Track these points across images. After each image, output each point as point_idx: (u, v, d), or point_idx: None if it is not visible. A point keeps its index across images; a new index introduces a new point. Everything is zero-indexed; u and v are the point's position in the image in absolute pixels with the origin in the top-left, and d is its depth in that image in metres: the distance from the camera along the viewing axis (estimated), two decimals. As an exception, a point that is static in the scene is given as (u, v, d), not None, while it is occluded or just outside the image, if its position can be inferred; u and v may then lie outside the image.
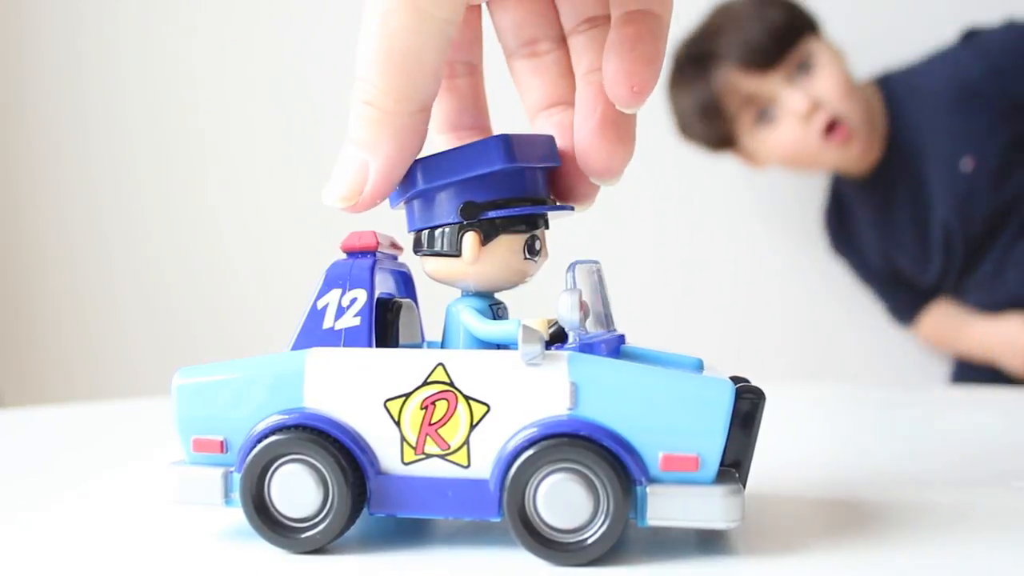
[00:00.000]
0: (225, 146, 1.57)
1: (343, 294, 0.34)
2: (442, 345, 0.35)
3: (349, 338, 0.33)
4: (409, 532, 0.35)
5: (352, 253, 0.34)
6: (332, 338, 0.33)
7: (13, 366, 1.61)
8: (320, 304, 0.34)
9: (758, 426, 0.33)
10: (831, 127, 1.21)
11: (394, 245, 0.36)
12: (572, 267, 0.34)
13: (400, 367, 0.32)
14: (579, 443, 0.31)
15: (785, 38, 1.21)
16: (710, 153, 1.33)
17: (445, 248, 0.33)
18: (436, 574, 0.31)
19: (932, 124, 1.24)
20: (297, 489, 0.32)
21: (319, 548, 0.32)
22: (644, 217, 1.33)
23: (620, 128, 0.34)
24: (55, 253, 1.61)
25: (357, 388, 0.33)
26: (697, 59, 1.25)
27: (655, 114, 1.31)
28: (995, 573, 0.31)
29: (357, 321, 0.33)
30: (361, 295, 0.33)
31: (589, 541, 0.31)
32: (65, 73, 1.59)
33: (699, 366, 0.34)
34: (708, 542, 0.33)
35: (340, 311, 0.33)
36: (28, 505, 0.42)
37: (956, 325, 1.30)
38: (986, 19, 1.26)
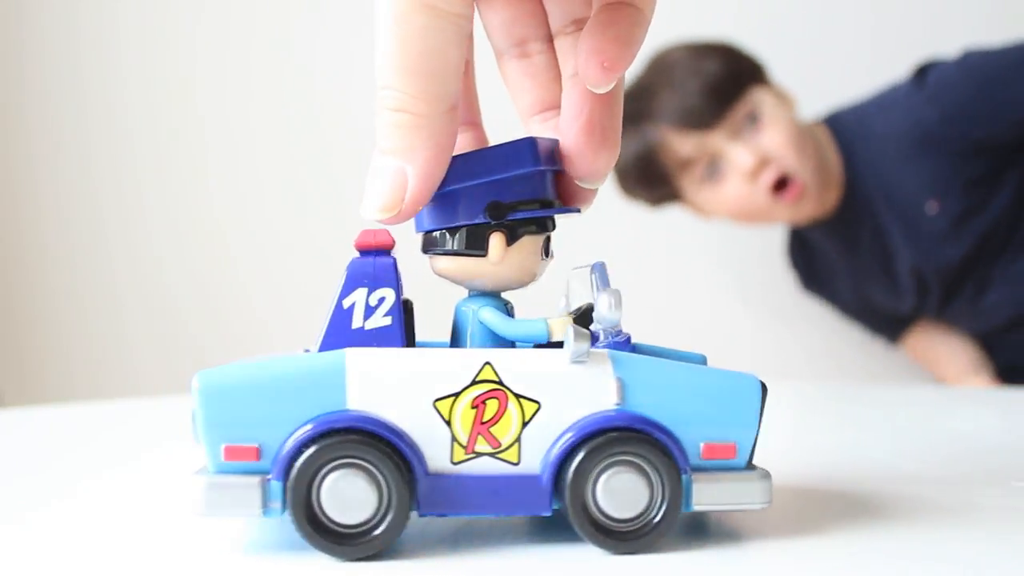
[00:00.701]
0: (226, 145, 1.57)
1: (369, 293, 0.33)
2: (451, 345, 0.35)
3: (380, 338, 0.33)
4: (443, 533, 0.35)
5: (366, 251, 0.34)
6: (363, 338, 0.33)
7: (13, 366, 1.61)
8: (346, 303, 0.33)
9: (760, 419, 0.34)
10: (781, 183, 1.14)
11: None
12: (595, 267, 0.34)
13: (447, 367, 0.32)
14: (632, 436, 0.32)
15: (727, 93, 1.13)
16: (652, 209, 1.28)
17: (465, 248, 0.34)
18: (463, 573, 0.31)
19: (892, 170, 1.17)
20: (350, 494, 0.31)
21: (377, 553, 0.32)
22: (632, 217, 1.32)
23: (606, 131, 0.34)
24: (55, 253, 1.61)
25: (404, 389, 0.32)
26: (632, 118, 1.13)
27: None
28: (995, 572, 0.31)
29: (388, 321, 0.33)
30: (389, 294, 0.33)
31: (648, 529, 0.32)
32: (65, 73, 1.59)
33: (703, 362, 0.35)
34: (715, 531, 0.35)
35: (369, 310, 0.33)
36: (28, 505, 0.42)
37: (930, 351, 1.28)
38: (938, 51, 1.19)
